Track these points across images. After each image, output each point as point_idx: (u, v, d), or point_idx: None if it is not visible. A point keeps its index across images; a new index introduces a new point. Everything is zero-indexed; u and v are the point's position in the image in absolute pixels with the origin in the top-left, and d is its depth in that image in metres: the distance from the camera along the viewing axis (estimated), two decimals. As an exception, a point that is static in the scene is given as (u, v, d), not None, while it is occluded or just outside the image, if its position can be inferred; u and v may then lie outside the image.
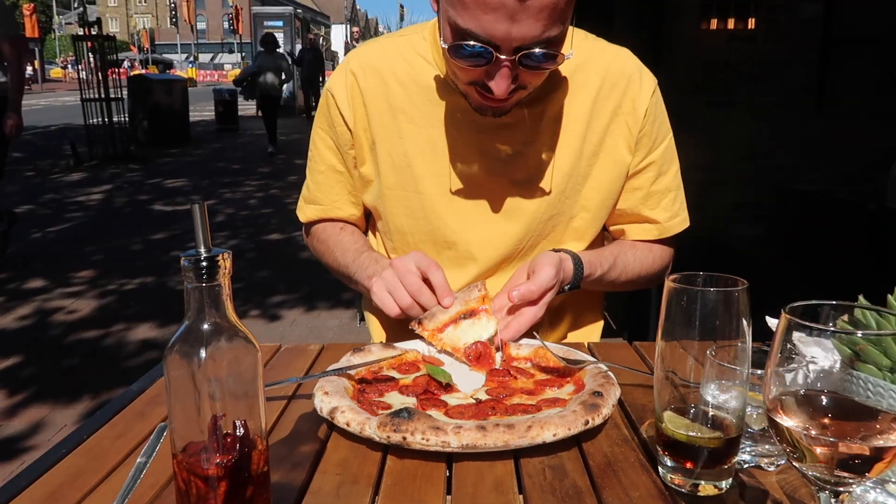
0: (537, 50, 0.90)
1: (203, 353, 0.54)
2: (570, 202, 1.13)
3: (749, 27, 4.62)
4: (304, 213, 1.31)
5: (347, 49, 26.23)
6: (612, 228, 1.23)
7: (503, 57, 0.90)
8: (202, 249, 0.55)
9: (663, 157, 1.18)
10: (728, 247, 4.80)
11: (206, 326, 0.55)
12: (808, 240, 4.55)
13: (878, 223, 3.86)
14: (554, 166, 1.11)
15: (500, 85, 0.94)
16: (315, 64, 15.58)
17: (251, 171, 9.30)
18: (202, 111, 17.64)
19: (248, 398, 0.57)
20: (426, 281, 1.00)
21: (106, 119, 9.71)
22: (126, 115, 10.47)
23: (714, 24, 4.63)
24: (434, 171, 1.12)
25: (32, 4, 38.08)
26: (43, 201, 7.25)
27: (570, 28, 1.15)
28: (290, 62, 10.95)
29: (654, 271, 1.23)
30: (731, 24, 4.63)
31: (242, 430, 0.56)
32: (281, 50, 12.45)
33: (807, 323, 0.47)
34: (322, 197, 1.26)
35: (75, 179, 8.72)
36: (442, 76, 1.10)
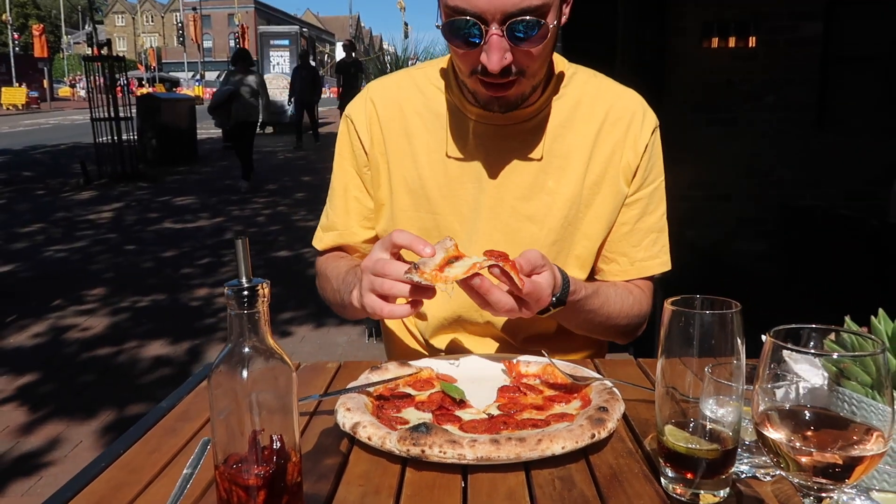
0: (525, 17, 0.96)
1: (244, 374, 0.60)
2: (572, 229, 1.18)
3: (750, 46, 4.69)
4: (322, 241, 1.30)
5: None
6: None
7: (492, 29, 0.97)
8: (244, 280, 0.61)
9: (651, 196, 1.21)
10: (732, 262, 4.85)
11: (246, 349, 0.61)
12: (812, 255, 4.59)
13: (880, 238, 3.90)
14: (558, 194, 1.16)
15: (492, 58, 0.98)
16: (310, 84, 14.33)
17: (259, 188, 9.39)
18: (209, 128, 17.78)
19: (284, 414, 0.63)
20: (399, 257, 0.97)
21: (115, 138, 9.85)
22: (135, 133, 10.62)
23: (715, 43, 4.70)
24: (447, 195, 1.18)
25: (42, 25, 38.62)
26: (54, 220, 7.35)
27: (576, 66, 1.23)
28: (264, 80, 9.44)
29: (633, 315, 1.20)
30: (731, 42, 4.70)
31: (279, 444, 0.62)
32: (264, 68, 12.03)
33: (789, 346, 0.52)
34: (338, 222, 1.27)
35: (85, 198, 8.83)
36: (456, 102, 1.16)
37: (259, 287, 0.61)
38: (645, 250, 1.21)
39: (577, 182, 1.17)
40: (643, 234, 1.21)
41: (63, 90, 45.61)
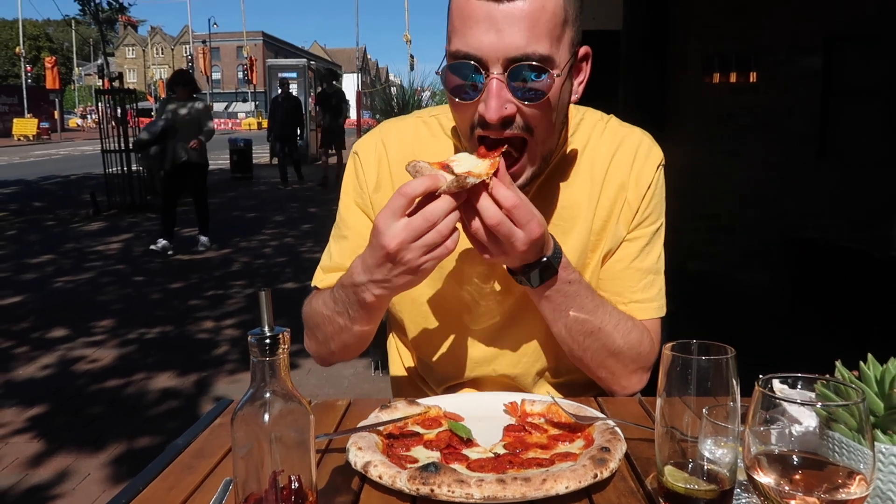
0: (529, 62, 0.90)
1: (266, 417, 0.64)
2: (581, 272, 1.16)
3: (751, 80, 4.78)
4: (324, 281, 1.21)
5: (358, 98, 26.68)
6: None
7: (493, 73, 0.91)
8: (266, 329, 0.65)
9: (651, 237, 1.17)
10: (736, 293, 4.87)
11: (268, 394, 0.65)
12: (815, 287, 4.60)
13: (883, 271, 3.93)
14: (566, 245, 1.12)
15: (490, 105, 0.92)
16: (291, 115, 13.23)
17: (266, 219, 9.49)
18: (217, 159, 17.94)
19: (302, 456, 0.66)
20: (417, 206, 0.93)
21: (125, 169, 9.99)
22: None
23: (716, 77, 4.79)
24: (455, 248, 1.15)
25: (54, 58, 39.33)
26: (64, 251, 7.43)
27: (583, 109, 1.19)
28: (210, 110, 7.47)
29: (631, 343, 1.12)
30: (733, 77, 4.79)
31: (297, 484, 0.65)
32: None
33: (776, 396, 0.56)
34: (345, 263, 1.14)
35: (95, 228, 8.93)
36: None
37: (280, 336, 0.65)
38: (641, 292, 1.17)
39: (586, 228, 1.15)
40: (640, 275, 1.17)
41: (73, 121, 46.23)
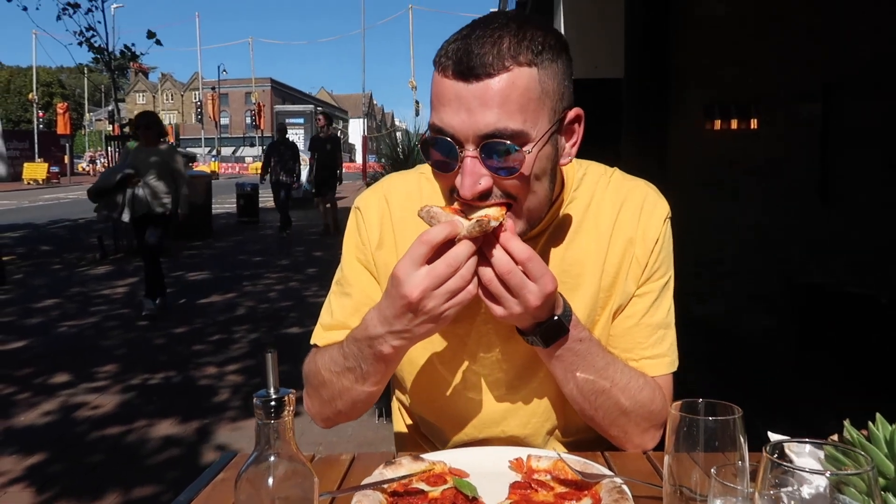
0: (499, 140, 0.91)
1: (270, 481, 0.64)
2: (590, 330, 1.14)
3: (752, 127, 4.82)
4: (325, 339, 1.18)
5: (364, 142, 27.10)
6: None
7: (467, 151, 0.92)
8: (271, 391, 0.65)
9: (660, 291, 1.15)
10: (740, 339, 4.82)
11: (272, 457, 0.64)
12: (822, 333, 4.56)
13: (890, 317, 3.90)
14: (574, 305, 1.09)
15: (464, 182, 0.93)
16: (290, 162, 12.26)
17: (271, 263, 9.52)
18: (224, 203, 18.19)
19: (306, 519, 0.65)
20: (436, 253, 0.94)
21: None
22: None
23: (717, 125, 4.85)
24: (459, 310, 1.10)
25: (66, 104, 40.11)
26: (69, 294, 7.46)
27: (586, 163, 1.19)
28: (184, 161, 6.76)
29: (642, 402, 1.10)
30: (734, 124, 4.84)
31: (300, 548, 0.65)
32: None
33: (785, 465, 0.55)
34: (348, 321, 1.15)
35: (101, 272, 8.97)
36: None
37: (286, 398, 0.65)
38: (652, 348, 1.15)
39: (594, 285, 1.13)
40: (650, 330, 1.15)
41: (81, 165, 46.85)
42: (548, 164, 1.00)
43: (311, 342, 1.22)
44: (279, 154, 12.17)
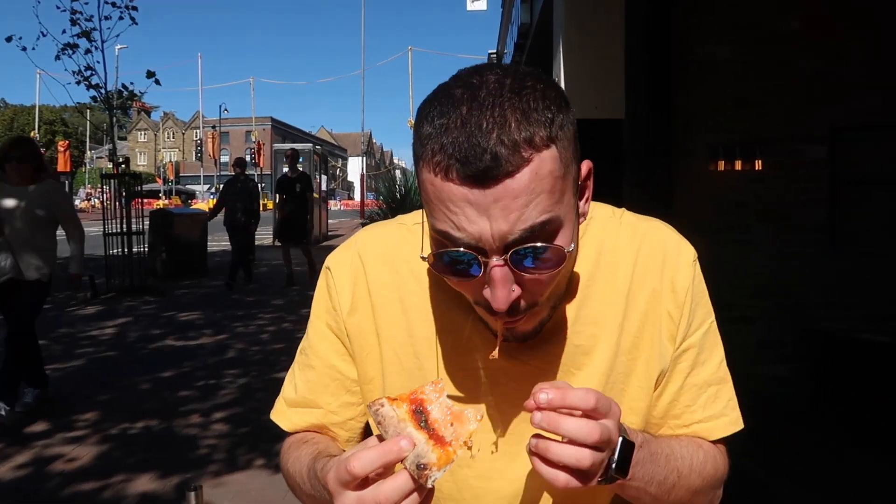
0: (531, 244, 0.75)
1: None
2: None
3: (757, 169, 4.72)
4: (291, 420, 1.04)
5: (363, 180, 27.15)
6: None
7: (493, 261, 0.76)
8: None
9: (702, 343, 0.97)
10: (754, 388, 4.63)
11: None
12: (836, 381, 4.38)
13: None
14: (591, 367, 0.95)
15: (496, 295, 0.77)
16: (247, 201, 10.69)
17: (265, 303, 9.33)
18: (220, 240, 18.05)
19: None
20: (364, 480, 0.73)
21: (125, 250, 9.94)
22: (146, 247, 10.75)
23: (722, 165, 4.74)
24: (452, 378, 0.96)
25: (67, 141, 40.38)
26: (56, 336, 7.24)
27: (591, 207, 0.98)
28: (67, 198, 5.66)
29: (706, 477, 0.94)
30: (738, 165, 4.73)
31: None
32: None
33: None
34: (315, 399, 1.02)
35: (91, 312, 8.77)
36: None
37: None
38: (704, 409, 0.96)
39: (612, 348, 0.95)
40: (698, 390, 0.96)
41: (84, 203, 46.95)
42: (575, 230, 0.83)
43: (272, 417, 1.05)
44: (236, 192, 10.66)
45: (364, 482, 0.72)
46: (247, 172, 11.38)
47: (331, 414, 1.02)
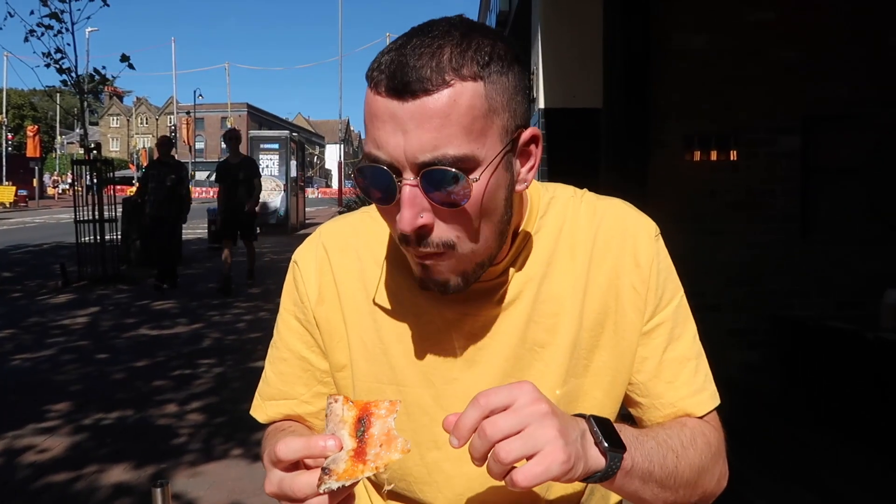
0: (440, 167, 0.77)
1: None
2: (576, 384, 0.97)
3: (731, 158, 4.77)
4: (266, 412, 1.06)
5: (340, 168, 27.02)
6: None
7: (405, 179, 0.78)
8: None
9: (675, 317, 0.97)
10: (724, 374, 4.70)
11: None
12: (805, 367, 4.47)
13: (875, 353, 3.81)
14: (554, 346, 0.96)
15: (403, 216, 0.79)
16: (169, 186, 9.04)
17: (241, 291, 9.25)
18: (196, 228, 17.86)
19: None
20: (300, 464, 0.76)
21: (97, 238, 9.77)
22: (118, 234, 10.58)
23: (697, 156, 4.78)
24: (416, 362, 0.97)
25: (37, 126, 39.47)
26: (26, 325, 7.12)
27: (553, 186, 1.03)
28: None
29: (702, 451, 0.93)
30: (713, 156, 4.78)
31: None
32: None
33: None
34: (288, 390, 1.05)
35: (62, 301, 8.63)
36: None
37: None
38: (686, 385, 0.97)
39: (574, 326, 0.96)
40: (678, 365, 0.97)
41: (52, 189, 46.05)
42: (501, 194, 0.84)
43: (251, 413, 1.08)
44: (158, 179, 8.98)
45: (296, 466, 0.74)
46: (173, 153, 10.09)
47: (304, 404, 1.04)
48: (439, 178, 0.77)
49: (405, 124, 0.77)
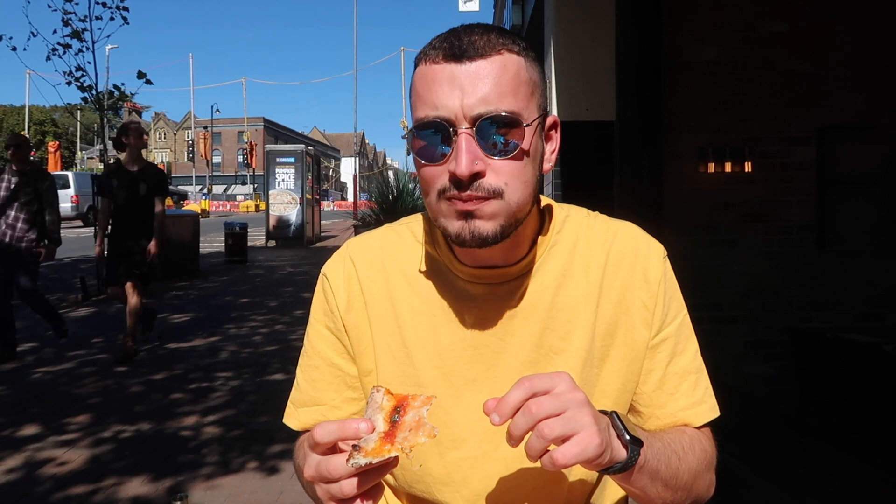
0: (492, 115, 0.88)
1: None
2: (588, 388, 1.02)
3: (746, 170, 4.76)
4: (299, 420, 1.11)
5: (355, 181, 27.13)
6: None
7: (461, 129, 0.89)
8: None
9: (678, 333, 1.06)
10: (741, 387, 4.67)
11: None
12: (824, 380, 4.42)
13: (893, 366, 3.76)
14: (568, 353, 1.02)
15: (460, 160, 0.88)
16: (25, 202, 6.07)
17: (258, 304, 9.32)
18: (213, 241, 18.04)
19: None
20: (335, 449, 0.81)
21: (117, 253, 9.86)
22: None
23: (711, 167, 4.77)
24: (437, 365, 1.03)
25: (57, 142, 40.13)
26: (48, 339, 7.22)
27: (567, 206, 1.11)
28: None
29: (699, 457, 1.00)
30: (727, 167, 4.77)
31: None
32: None
33: None
34: (319, 396, 1.10)
35: (82, 315, 8.74)
36: (444, 260, 1.05)
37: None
38: (686, 397, 1.04)
39: (588, 335, 1.02)
40: (679, 378, 1.04)
41: (73, 203, 46.62)
42: (537, 158, 0.97)
43: (284, 421, 1.14)
44: (13, 194, 6.06)
45: (333, 451, 0.79)
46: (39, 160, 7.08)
47: (335, 409, 1.10)
48: (492, 129, 0.89)
49: (462, 82, 0.89)
